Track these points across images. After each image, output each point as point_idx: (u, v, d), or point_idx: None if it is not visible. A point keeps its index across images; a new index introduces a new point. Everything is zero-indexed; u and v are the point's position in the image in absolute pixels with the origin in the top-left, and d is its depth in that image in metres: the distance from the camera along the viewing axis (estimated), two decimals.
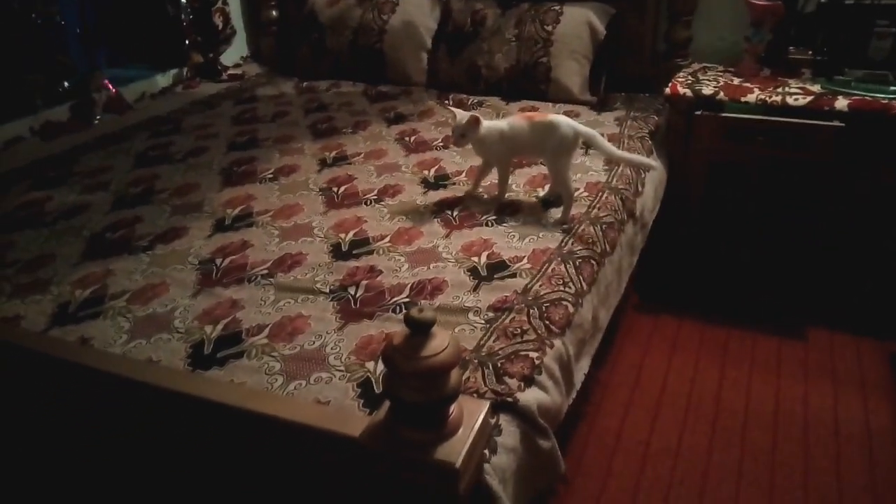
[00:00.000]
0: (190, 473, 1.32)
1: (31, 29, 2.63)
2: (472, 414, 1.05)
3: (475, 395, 1.28)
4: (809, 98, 2.36)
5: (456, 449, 0.98)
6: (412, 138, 2.53)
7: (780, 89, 2.44)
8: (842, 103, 2.31)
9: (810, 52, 2.62)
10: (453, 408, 1.02)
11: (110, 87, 2.88)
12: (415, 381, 0.96)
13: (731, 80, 2.57)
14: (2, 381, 1.46)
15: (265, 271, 1.71)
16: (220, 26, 3.27)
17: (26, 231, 1.97)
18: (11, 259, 1.82)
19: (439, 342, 0.97)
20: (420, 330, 0.96)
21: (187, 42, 3.26)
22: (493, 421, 1.23)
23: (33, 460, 1.51)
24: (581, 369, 1.66)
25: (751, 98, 2.42)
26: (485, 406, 1.07)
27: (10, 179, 2.31)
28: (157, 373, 1.28)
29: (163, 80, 3.23)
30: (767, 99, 2.39)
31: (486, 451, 1.17)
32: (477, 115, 1.94)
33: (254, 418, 1.13)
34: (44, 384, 1.39)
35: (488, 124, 1.97)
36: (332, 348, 1.43)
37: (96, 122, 2.79)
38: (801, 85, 2.48)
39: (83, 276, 1.72)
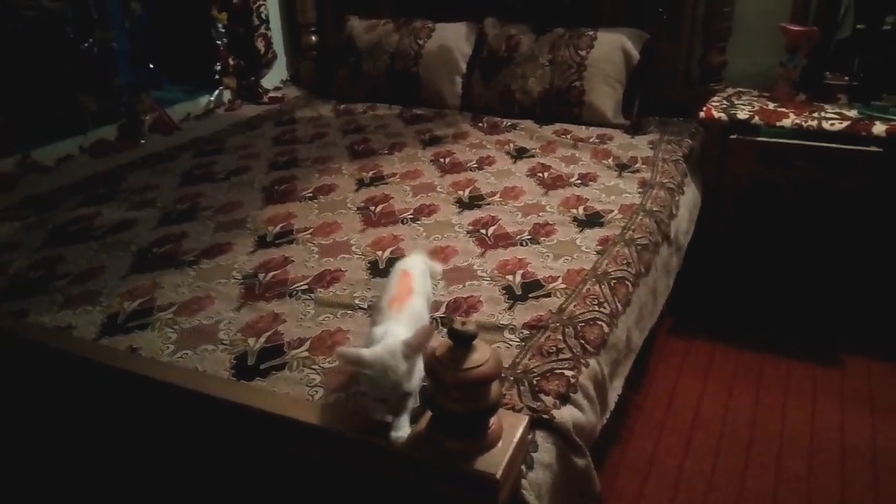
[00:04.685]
0: (231, 478, 1.36)
1: (85, 54, 2.75)
2: (511, 427, 1.07)
3: (511, 411, 1.30)
4: (846, 123, 2.36)
5: (496, 460, 1.01)
6: (447, 159, 2.58)
7: (815, 114, 2.44)
8: (879, 129, 2.30)
9: (846, 78, 2.62)
10: (493, 420, 1.05)
11: (158, 108, 2.99)
12: (457, 392, 0.99)
13: (767, 105, 2.57)
14: (55, 387, 1.52)
15: (305, 286, 1.76)
16: (263, 51, 3.38)
17: (76, 245, 2.05)
18: (63, 271, 1.89)
19: (481, 355, 0.99)
20: (462, 342, 0.99)
21: (231, 64, 3.36)
22: (529, 437, 1.25)
23: (81, 462, 1.56)
24: (615, 390, 1.67)
25: (786, 123, 2.42)
26: (524, 420, 1.09)
27: (61, 195, 2.40)
28: (205, 381, 1.33)
29: (206, 102, 3.34)
30: (803, 124, 2.40)
31: (523, 467, 1.18)
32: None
33: (297, 427, 1.17)
34: (94, 390, 1.45)
35: (383, 353, 1.12)
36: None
37: (143, 141, 2.89)
38: (837, 110, 2.48)
39: (131, 288, 1.78)
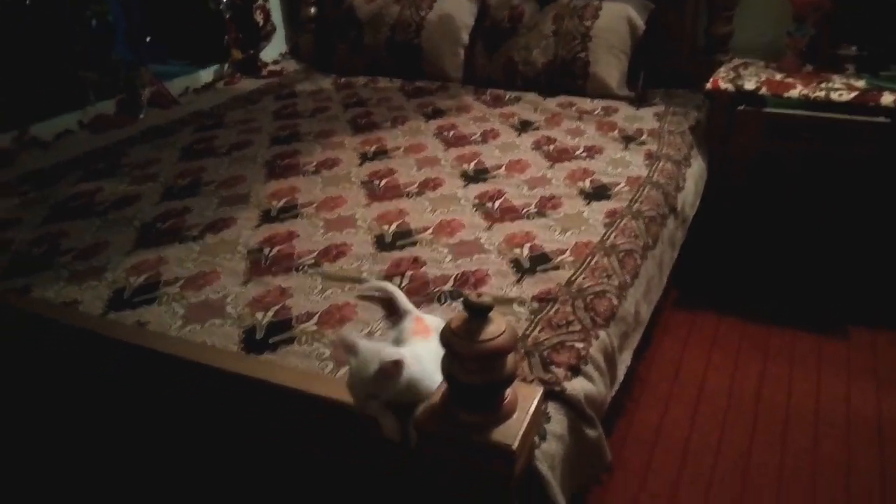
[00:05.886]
0: (244, 452, 1.36)
1: (83, 27, 2.71)
2: (525, 398, 1.06)
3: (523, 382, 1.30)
4: (854, 94, 2.33)
5: (512, 431, 1.00)
6: (450, 133, 2.55)
7: (823, 85, 2.41)
8: (888, 99, 2.28)
9: (854, 48, 2.59)
10: (508, 392, 1.04)
11: (156, 81, 2.95)
12: (473, 364, 0.98)
13: (774, 76, 2.54)
14: (62, 363, 1.51)
15: (312, 261, 1.75)
16: (261, 23, 3.33)
17: (78, 221, 2.03)
18: (66, 247, 1.88)
19: (496, 327, 0.98)
20: (478, 314, 0.98)
21: (226, 38, 3.32)
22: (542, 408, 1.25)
23: (91, 437, 1.56)
24: (624, 362, 1.67)
25: (793, 93, 2.39)
26: (539, 391, 1.09)
27: (61, 170, 2.38)
28: (216, 356, 1.32)
29: (205, 75, 3.30)
30: (811, 94, 2.37)
31: (536, 438, 1.18)
32: (397, 358, 1.09)
33: (310, 400, 1.16)
34: (103, 366, 1.44)
35: (373, 349, 1.12)
36: (380, 335, 1.46)
37: (142, 116, 2.85)
38: (845, 80, 2.45)
39: (137, 263, 1.76)
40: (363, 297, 1.57)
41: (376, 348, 1.11)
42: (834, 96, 2.34)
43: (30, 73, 2.64)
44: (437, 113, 2.77)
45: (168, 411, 1.42)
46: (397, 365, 1.07)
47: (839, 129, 2.32)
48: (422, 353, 1.15)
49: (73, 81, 2.71)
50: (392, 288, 1.54)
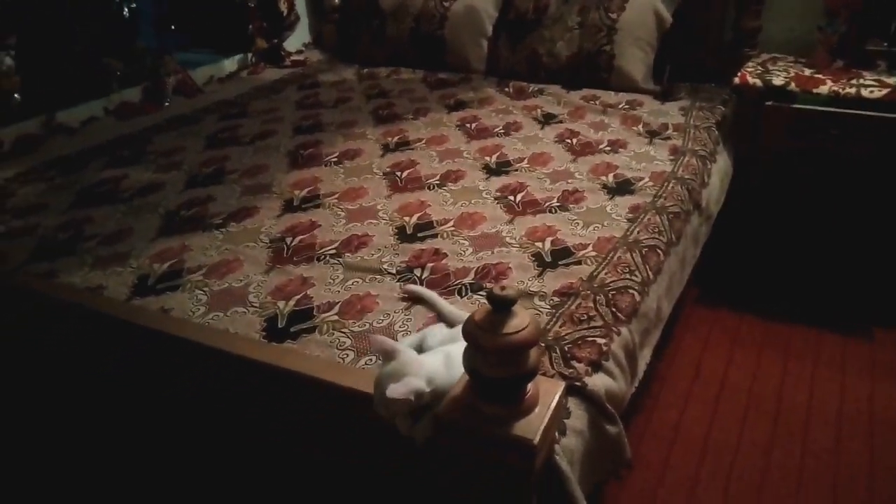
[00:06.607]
0: (244, 452, 1.37)
1: (110, 15, 2.73)
2: (547, 393, 1.06)
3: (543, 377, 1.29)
4: (886, 91, 2.29)
5: (533, 426, 1.00)
6: (473, 125, 2.54)
7: (854, 81, 2.37)
8: None
9: (886, 44, 2.54)
10: (530, 386, 1.04)
11: (180, 70, 2.97)
12: (495, 357, 0.98)
13: (803, 71, 2.50)
14: (86, 347, 1.53)
15: (333, 251, 1.75)
16: (285, 13, 3.33)
17: (103, 207, 2.05)
18: (91, 233, 1.90)
19: (520, 320, 0.98)
20: (502, 307, 0.98)
21: (251, 27, 3.33)
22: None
23: (116, 422, 1.58)
24: (644, 358, 1.66)
25: (823, 90, 2.36)
26: (560, 386, 1.08)
27: (86, 157, 2.41)
28: (239, 343, 1.33)
29: (229, 64, 3.31)
30: (840, 91, 2.33)
31: (556, 433, 1.18)
32: (404, 397, 1.05)
33: (332, 390, 1.17)
34: (127, 351, 1.46)
35: (413, 358, 1.12)
36: (400, 326, 1.46)
37: (166, 104, 2.87)
38: (876, 77, 2.41)
39: (161, 250, 1.78)
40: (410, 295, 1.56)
41: (410, 367, 1.08)
42: (865, 93, 2.30)
43: (56, 60, 2.66)
44: (459, 105, 2.76)
45: (181, 406, 1.44)
46: (404, 403, 1.06)
47: (870, 127, 2.28)
48: (458, 358, 1.09)
49: (98, 68, 2.73)
50: (437, 299, 1.52)
